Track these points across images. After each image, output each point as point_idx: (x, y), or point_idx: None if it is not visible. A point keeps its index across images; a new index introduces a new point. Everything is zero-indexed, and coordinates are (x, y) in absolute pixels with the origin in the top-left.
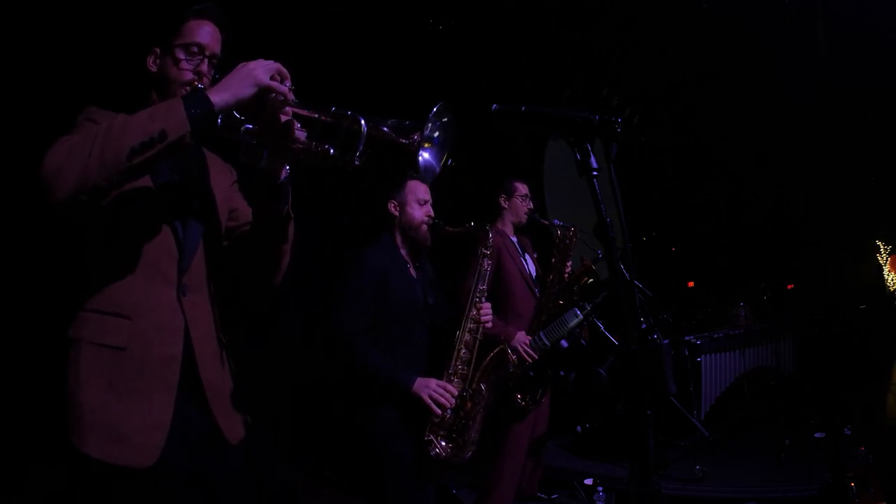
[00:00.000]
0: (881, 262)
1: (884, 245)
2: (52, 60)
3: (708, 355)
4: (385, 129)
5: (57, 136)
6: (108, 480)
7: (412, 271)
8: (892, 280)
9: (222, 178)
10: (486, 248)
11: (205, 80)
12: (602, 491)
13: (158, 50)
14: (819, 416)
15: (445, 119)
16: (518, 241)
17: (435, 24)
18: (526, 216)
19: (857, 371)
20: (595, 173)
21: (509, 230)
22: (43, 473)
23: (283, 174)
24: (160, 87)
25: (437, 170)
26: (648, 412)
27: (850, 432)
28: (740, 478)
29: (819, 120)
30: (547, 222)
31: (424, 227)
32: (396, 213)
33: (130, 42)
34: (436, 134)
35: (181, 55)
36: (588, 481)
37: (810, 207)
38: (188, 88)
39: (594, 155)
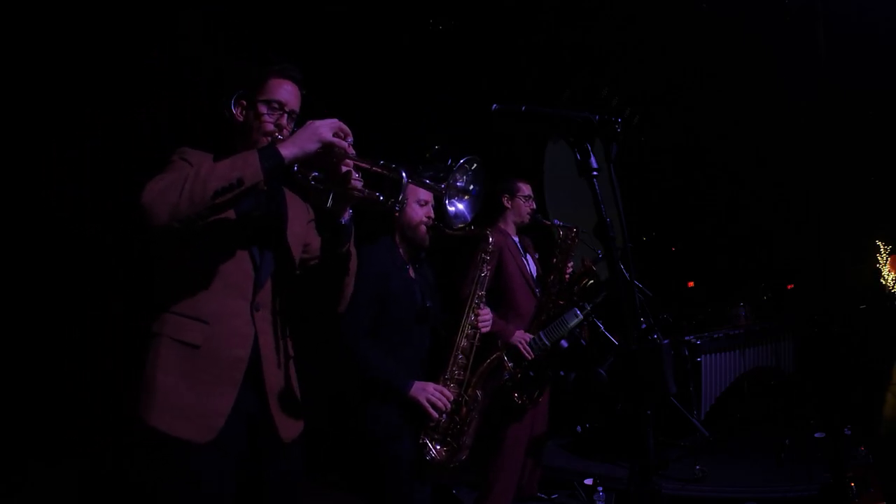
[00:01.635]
0: (881, 262)
1: (884, 245)
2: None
3: (708, 355)
4: (424, 179)
5: (152, 172)
6: (167, 449)
7: (411, 273)
8: (892, 280)
9: (300, 216)
10: (485, 254)
11: (284, 132)
12: (602, 491)
13: (245, 102)
14: (819, 416)
15: (475, 167)
16: (520, 241)
17: (435, 24)
18: (529, 216)
19: (857, 371)
20: (595, 173)
21: (511, 230)
22: (43, 473)
23: (346, 216)
24: (244, 134)
25: (468, 218)
26: (648, 412)
27: (850, 432)
28: (740, 478)
29: (819, 120)
30: (549, 223)
31: (423, 227)
32: (396, 213)
33: (222, 93)
34: (471, 186)
35: (263, 109)
36: (588, 481)
37: (810, 207)
38: (269, 139)
39: (594, 155)
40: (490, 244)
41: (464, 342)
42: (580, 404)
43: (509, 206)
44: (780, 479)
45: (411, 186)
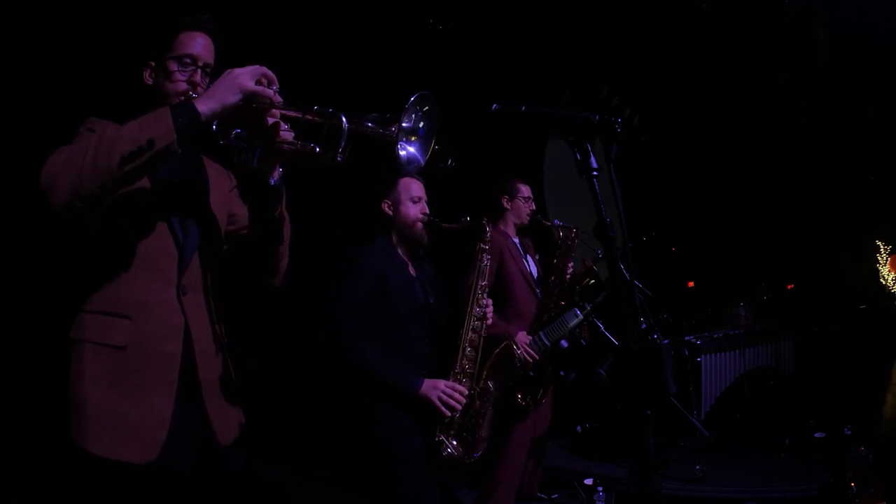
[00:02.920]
0: (881, 262)
1: (884, 245)
2: (56, 71)
3: (708, 355)
4: (368, 123)
5: (58, 143)
6: (109, 476)
7: (412, 271)
8: (892, 280)
9: (221, 183)
10: (484, 244)
11: (199, 89)
12: (602, 491)
13: (154, 63)
14: (819, 416)
15: (427, 108)
16: (520, 243)
17: (435, 24)
18: (528, 217)
19: (857, 371)
20: (595, 173)
21: (511, 231)
22: (43, 473)
23: (276, 176)
24: (157, 98)
25: (422, 162)
26: (648, 412)
27: (850, 432)
28: (740, 478)
29: (819, 120)
30: (549, 223)
31: (419, 224)
32: (390, 213)
33: (129, 55)
34: (420, 124)
35: (174, 67)
36: (588, 481)
37: (810, 207)
38: (182, 98)
39: (594, 155)
40: (488, 233)
41: (471, 334)
42: (580, 404)
43: (509, 207)
44: (780, 479)
45: (404, 183)
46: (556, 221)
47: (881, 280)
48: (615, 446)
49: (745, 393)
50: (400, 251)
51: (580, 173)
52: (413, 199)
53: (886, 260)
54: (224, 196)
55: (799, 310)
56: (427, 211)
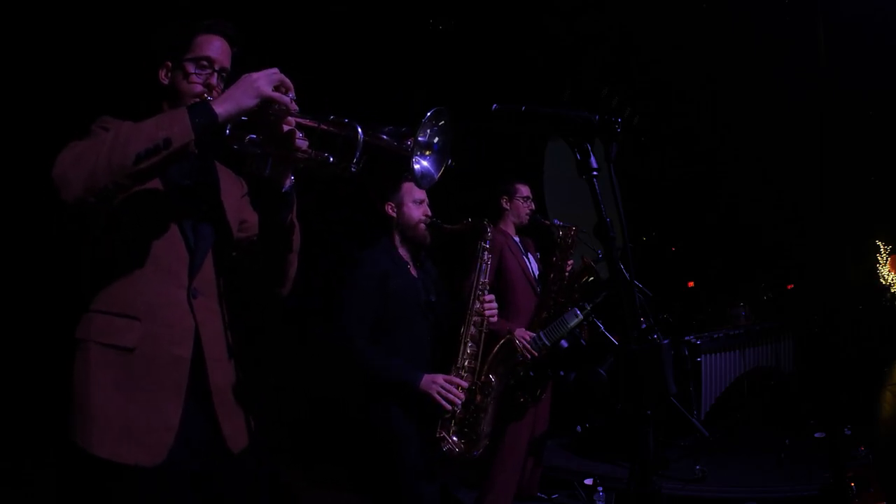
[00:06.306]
0: (881, 262)
1: (884, 245)
2: (69, 70)
3: (708, 355)
4: (382, 136)
5: (68, 141)
6: (113, 480)
7: (413, 271)
8: (893, 280)
9: (233, 190)
10: (485, 242)
11: (214, 92)
12: (602, 491)
13: (170, 64)
14: (819, 416)
15: (442, 123)
16: (521, 242)
17: (435, 24)
18: (527, 217)
19: (857, 371)
20: (595, 173)
21: (511, 231)
22: (43, 473)
23: (288, 183)
24: (171, 98)
25: (436, 177)
26: (648, 412)
27: (850, 432)
28: (740, 478)
29: (819, 120)
30: (548, 222)
31: (422, 226)
32: (394, 215)
33: (144, 56)
34: (435, 140)
35: (191, 69)
36: (588, 481)
37: (810, 207)
38: (198, 100)
39: (594, 155)
40: (489, 233)
41: (472, 330)
42: (580, 404)
43: (508, 207)
44: (780, 479)
45: (408, 185)
46: (555, 221)
47: (881, 280)
48: (615, 446)
49: (745, 393)
50: (402, 252)
51: (580, 173)
52: (416, 201)
53: (886, 260)
54: (235, 202)
55: (799, 310)
56: (430, 213)
